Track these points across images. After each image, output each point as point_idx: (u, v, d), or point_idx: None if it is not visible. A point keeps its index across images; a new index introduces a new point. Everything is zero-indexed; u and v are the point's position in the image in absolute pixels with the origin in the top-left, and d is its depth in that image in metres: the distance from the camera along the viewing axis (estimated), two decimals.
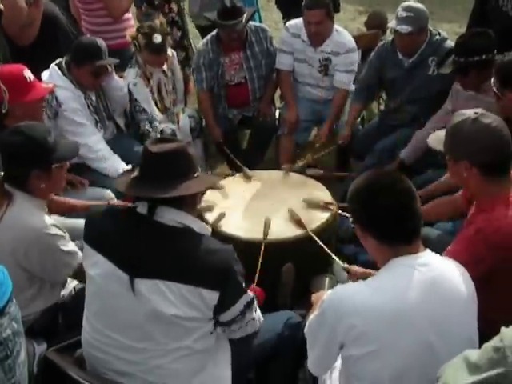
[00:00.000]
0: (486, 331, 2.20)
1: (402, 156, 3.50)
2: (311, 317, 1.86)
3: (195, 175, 1.95)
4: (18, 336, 1.53)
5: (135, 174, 1.97)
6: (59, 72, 3.42)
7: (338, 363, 1.91)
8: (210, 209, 3.04)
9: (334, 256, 2.78)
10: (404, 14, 3.48)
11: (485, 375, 1.13)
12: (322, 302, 1.77)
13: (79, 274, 2.35)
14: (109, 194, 3.21)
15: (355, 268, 2.52)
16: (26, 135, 2.27)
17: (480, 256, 2.02)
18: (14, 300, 1.53)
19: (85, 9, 4.14)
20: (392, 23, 3.58)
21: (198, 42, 4.44)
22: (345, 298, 1.70)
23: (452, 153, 2.17)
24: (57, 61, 3.48)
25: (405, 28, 3.47)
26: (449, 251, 2.11)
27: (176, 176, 1.89)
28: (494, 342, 1.17)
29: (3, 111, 2.30)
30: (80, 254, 2.29)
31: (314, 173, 3.45)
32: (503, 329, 1.18)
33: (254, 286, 2.48)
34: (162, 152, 1.89)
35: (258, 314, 2.05)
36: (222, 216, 2.96)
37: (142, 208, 1.91)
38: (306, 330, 1.88)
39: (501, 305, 2.02)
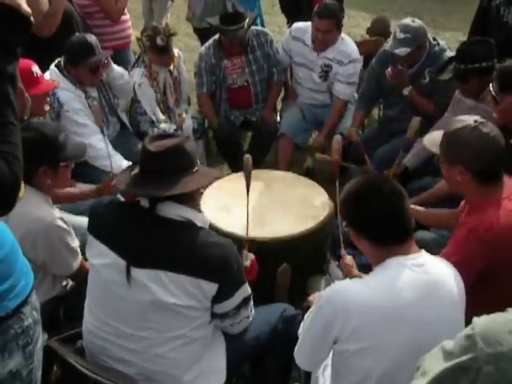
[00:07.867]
0: None
1: (407, 163, 3.45)
2: (307, 313, 1.89)
3: (194, 170, 1.99)
4: (37, 324, 1.58)
5: (135, 171, 2.01)
6: (59, 73, 3.47)
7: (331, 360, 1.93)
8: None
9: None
10: (402, 36, 3.48)
11: (456, 360, 1.17)
12: (319, 297, 1.81)
13: (77, 277, 2.43)
14: None
15: (348, 259, 2.52)
16: (39, 131, 2.33)
17: (473, 255, 2.07)
18: (35, 290, 1.58)
19: (83, 12, 4.16)
20: (389, 45, 3.55)
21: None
22: (342, 293, 1.75)
23: (448, 156, 2.22)
24: (56, 61, 3.52)
25: (403, 50, 3.48)
26: (443, 253, 2.15)
27: (175, 173, 1.94)
28: (466, 330, 1.20)
29: (25, 117, 2.39)
30: (80, 257, 2.36)
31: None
32: (475, 318, 1.22)
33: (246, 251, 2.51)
34: (159, 150, 1.93)
35: (252, 311, 2.10)
36: (219, 213, 2.98)
37: (144, 202, 1.97)
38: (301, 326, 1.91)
39: (492, 305, 2.06)
